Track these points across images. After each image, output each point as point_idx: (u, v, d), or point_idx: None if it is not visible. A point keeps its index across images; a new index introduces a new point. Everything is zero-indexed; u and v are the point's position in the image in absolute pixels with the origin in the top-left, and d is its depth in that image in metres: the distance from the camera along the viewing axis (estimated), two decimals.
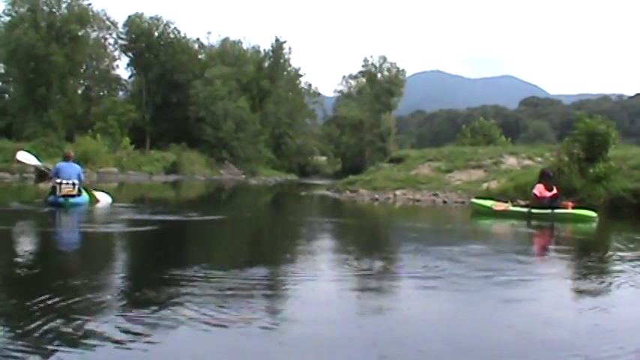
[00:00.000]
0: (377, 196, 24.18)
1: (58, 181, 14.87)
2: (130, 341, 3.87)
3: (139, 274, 6.77)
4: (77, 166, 15.74)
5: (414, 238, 11.46)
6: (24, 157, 18.02)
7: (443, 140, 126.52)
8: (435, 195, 23.60)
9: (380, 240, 12.03)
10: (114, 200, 16.91)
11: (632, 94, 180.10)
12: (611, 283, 6.66)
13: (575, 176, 19.52)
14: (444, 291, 5.97)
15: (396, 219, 17.73)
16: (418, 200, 23.00)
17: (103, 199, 16.60)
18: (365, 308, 5.15)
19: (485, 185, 23.33)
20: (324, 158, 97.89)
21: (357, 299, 5.57)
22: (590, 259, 9.10)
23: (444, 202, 22.33)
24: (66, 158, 15.78)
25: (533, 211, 15.49)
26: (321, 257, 8.35)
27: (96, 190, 17.15)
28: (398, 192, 24.52)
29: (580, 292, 6.33)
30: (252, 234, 12.51)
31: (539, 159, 27.37)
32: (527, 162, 27.22)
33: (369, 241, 11.64)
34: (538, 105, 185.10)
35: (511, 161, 27.71)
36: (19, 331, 3.99)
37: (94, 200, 15.99)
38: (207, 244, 10.25)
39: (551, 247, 11.33)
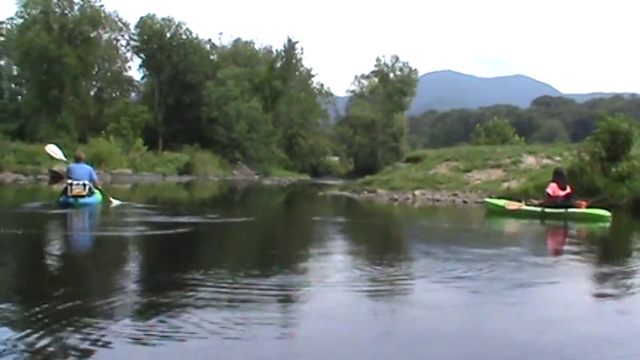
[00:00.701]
0: (396, 196, 23.90)
1: (69, 181, 15.45)
2: (138, 346, 3.85)
3: (157, 278, 6.53)
4: (88, 167, 16.27)
5: (443, 241, 11.25)
6: (53, 150, 18.27)
7: (455, 140, 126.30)
8: (455, 195, 23.35)
9: (404, 242, 11.75)
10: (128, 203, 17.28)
11: None
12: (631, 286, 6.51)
13: (598, 175, 19.24)
14: (460, 294, 5.83)
15: (417, 220, 17.40)
16: (438, 200, 22.72)
17: (116, 203, 16.85)
18: (383, 322, 4.80)
19: (505, 185, 23.08)
20: (336, 158, 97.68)
21: (379, 312, 5.21)
22: (610, 260, 8.88)
23: (464, 202, 22.04)
24: (77, 160, 16.43)
25: (547, 210, 15.40)
26: (346, 263, 8.11)
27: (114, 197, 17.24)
28: (417, 192, 24.27)
29: (600, 296, 6.13)
30: (279, 237, 12.27)
31: (558, 158, 27.07)
32: (546, 161, 26.89)
33: (393, 243, 11.40)
34: (550, 104, 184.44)
35: (530, 160, 27.42)
36: (37, 334, 3.94)
37: (106, 200, 16.47)
38: (239, 247, 10.05)
39: (567, 247, 11.02)
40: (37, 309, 4.53)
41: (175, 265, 7.44)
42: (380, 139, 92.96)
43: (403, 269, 7.18)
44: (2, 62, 72.68)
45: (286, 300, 5.41)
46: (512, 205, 16.32)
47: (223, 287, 5.57)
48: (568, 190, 15.58)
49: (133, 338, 3.98)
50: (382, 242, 11.20)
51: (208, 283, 5.72)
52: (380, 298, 5.60)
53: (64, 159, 18.67)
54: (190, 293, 5.30)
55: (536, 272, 7.27)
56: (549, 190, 15.65)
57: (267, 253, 9.23)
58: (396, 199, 23.21)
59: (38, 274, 6.62)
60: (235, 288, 5.57)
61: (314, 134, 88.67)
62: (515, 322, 4.77)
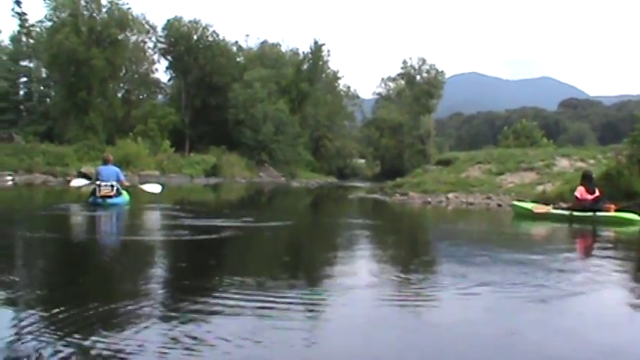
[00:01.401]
0: (429, 199, 23.62)
1: (98, 183, 16.33)
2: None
3: (197, 284, 6.26)
4: (116, 169, 17.19)
5: (480, 246, 11.09)
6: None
7: (481, 142, 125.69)
8: (489, 198, 22.99)
9: (444, 248, 11.42)
10: (164, 188, 19.14)
11: None
12: None
13: (636, 179, 18.73)
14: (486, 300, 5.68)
15: (454, 223, 16.98)
16: (472, 204, 22.39)
17: (153, 189, 19.32)
18: (406, 332, 4.61)
19: (540, 188, 22.65)
20: (362, 161, 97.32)
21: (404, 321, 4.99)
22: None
23: (499, 205, 21.65)
24: (105, 162, 17.33)
25: (575, 213, 15.13)
26: (381, 268, 7.86)
27: (145, 183, 19.21)
28: (450, 195, 23.97)
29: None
30: (319, 241, 11.93)
31: (591, 161, 26.62)
32: (579, 164, 26.36)
33: (432, 248, 11.13)
34: (578, 106, 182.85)
35: (563, 163, 26.95)
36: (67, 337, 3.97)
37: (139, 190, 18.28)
38: (282, 252, 9.77)
39: (596, 253, 10.66)
40: (63, 314, 4.53)
41: (215, 270, 7.32)
42: (406, 142, 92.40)
43: (438, 276, 7.10)
44: (32, 65, 73.12)
45: (313, 309, 5.22)
46: (540, 209, 16.08)
47: (258, 295, 5.44)
48: (597, 193, 15.31)
49: (158, 345, 3.93)
50: (419, 247, 10.99)
51: (246, 291, 5.59)
52: (406, 306, 5.43)
53: (89, 182, 18.61)
54: (226, 301, 5.15)
55: (562, 279, 6.92)
56: (577, 194, 15.43)
57: (307, 258, 9.05)
58: (429, 202, 22.96)
59: (64, 278, 6.55)
60: (273, 297, 5.35)
61: (340, 136, 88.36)
62: (542, 335, 4.51)
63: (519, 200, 19.19)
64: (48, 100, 73.23)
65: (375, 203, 25.00)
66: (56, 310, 4.61)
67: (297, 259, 8.78)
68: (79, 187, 18.46)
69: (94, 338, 3.97)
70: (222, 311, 4.84)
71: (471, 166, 29.04)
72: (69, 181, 19.37)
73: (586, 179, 15.77)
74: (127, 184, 18.02)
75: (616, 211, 14.74)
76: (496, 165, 28.20)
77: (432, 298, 5.73)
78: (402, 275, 6.86)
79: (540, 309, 5.34)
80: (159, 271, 7.20)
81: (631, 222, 14.27)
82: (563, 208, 15.80)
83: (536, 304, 5.51)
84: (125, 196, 17.07)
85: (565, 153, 29.44)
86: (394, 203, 23.93)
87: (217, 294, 5.39)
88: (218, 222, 12.92)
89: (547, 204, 16.50)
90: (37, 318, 4.46)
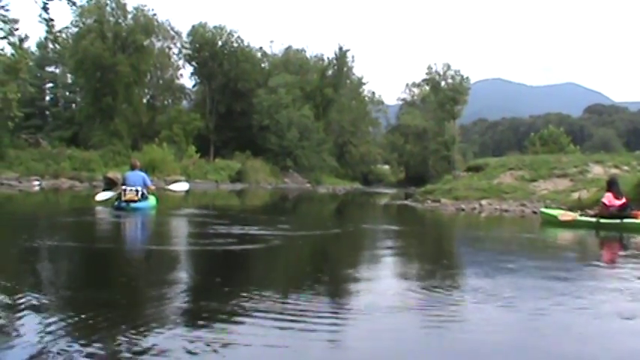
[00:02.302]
0: (463, 206, 23.12)
1: (123, 187, 16.92)
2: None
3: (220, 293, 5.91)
4: (142, 174, 17.63)
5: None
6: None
7: (505, 149, 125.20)
8: (524, 205, 22.48)
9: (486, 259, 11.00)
10: (189, 191, 20.40)
11: None
12: None
13: None
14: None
15: (491, 232, 16.38)
16: (506, 211, 21.84)
17: (180, 187, 20.43)
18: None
19: (576, 195, 22.05)
20: (386, 167, 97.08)
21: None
22: None
23: (534, 212, 21.07)
24: (132, 167, 17.94)
25: (602, 221, 14.76)
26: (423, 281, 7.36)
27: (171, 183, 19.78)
28: (483, 202, 23.48)
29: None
30: (371, 249, 11.20)
31: (625, 168, 26.16)
32: (613, 170, 25.75)
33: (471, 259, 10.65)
34: (603, 112, 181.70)
35: (597, 170, 26.34)
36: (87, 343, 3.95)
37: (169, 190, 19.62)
38: (336, 262, 9.40)
39: (623, 262, 10.02)
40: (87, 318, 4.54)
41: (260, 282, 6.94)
42: (431, 148, 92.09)
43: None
44: (57, 71, 73.63)
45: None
46: (566, 217, 15.72)
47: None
48: (623, 199, 14.96)
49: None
50: (455, 257, 10.51)
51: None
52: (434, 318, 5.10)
53: (114, 193, 18.66)
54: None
55: (588, 289, 6.62)
56: (605, 200, 15.07)
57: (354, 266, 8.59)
58: (462, 209, 22.44)
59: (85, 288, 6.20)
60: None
61: (365, 142, 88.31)
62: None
63: (547, 207, 18.99)
64: (73, 105, 73.62)
65: (407, 210, 24.39)
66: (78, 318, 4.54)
67: (349, 269, 8.31)
68: (106, 200, 18.30)
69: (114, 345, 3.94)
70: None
71: (502, 173, 28.51)
72: (95, 195, 19.14)
73: (613, 185, 15.43)
74: (153, 188, 18.57)
75: None
76: (528, 172, 27.66)
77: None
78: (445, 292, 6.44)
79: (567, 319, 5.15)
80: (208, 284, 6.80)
81: None
82: (590, 216, 15.50)
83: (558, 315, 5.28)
84: (152, 201, 17.61)
85: (598, 159, 28.82)
86: (426, 210, 23.44)
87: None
88: (257, 230, 12.43)
89: (573, 211, 16.06)
90: (60, 323, 4.39)
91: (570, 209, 17.75)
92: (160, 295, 5.70)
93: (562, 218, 15.65)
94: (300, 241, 11.38)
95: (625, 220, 14.42)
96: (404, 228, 16.28)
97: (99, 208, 17.19)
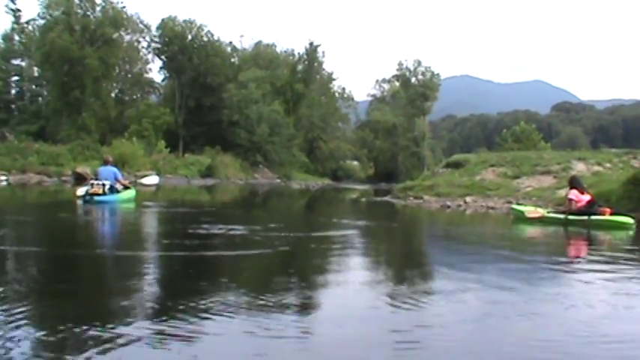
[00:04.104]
0: (448, 203, 23.02)
1: (92, 182, 17.99)
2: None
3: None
4: (114, 169, 18.74)
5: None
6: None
7: (474, 145, 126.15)
8: (510, 202, 22.44)
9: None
10: (160, 184, 20.68)
11: None
12: None
13: None
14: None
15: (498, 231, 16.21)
16: (492, 208, 21.71)
17: (151, 180, 21.92)
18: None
19: (562, 192, 22.08)
20: (355, 163, 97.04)
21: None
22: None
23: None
24: (105, 162, 19.11)
25: (570, 217, 15.07)
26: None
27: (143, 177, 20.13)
28: (468, 199, 23.38)
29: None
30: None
31: (608, 165, 26.24)
32: (596, 168, 25.94)
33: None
34: (570, 110, 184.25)
35: (580, 167, 26.29)
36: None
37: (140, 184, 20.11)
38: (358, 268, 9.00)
39: (589, 256, 10.48)
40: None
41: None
42: (401, 144, 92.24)
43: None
44: (24, 63, 72.59)
45: None
46: (533, 214, 16.01)
47: None
48: (589, 196, 15.34)
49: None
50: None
51: None
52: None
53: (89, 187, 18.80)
54: None
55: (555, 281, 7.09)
56: (572, 197, 15.34)
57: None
58: (448, 207, 22.32)
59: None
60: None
61: (335, 138, 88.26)
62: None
63: (518, 204, 19.17)
64: (40, 99, 72.70)
65: (393, 207, 24.08)
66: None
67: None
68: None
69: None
70: None
71: (484, 169, 28.39)
72: (75, 192, 19.26)
73: (576, 182, 15.89)
74: (125, 182, 19.58)
75: (611, 214, 14.65)
76: (511, 168, 27.59)
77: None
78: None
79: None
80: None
81: (625, 225, 14.14)
82: (559, 211, 15.73)
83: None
84: (124, 195, 18.59)
85: (581, 156, 28.82)
86: (413, 207, 23.28)
87: None
88: (248, 230, 11.64)
89: (540, 207, 16.32)
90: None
91: (560, 205, 17.74)
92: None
93: (529, 215, 15.92)
94: (312, 244, 10.42)
95: (592, 217, 14.65)
96: (393, 225, 16.52)
97: (79, 202, 17.34)
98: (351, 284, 6.49)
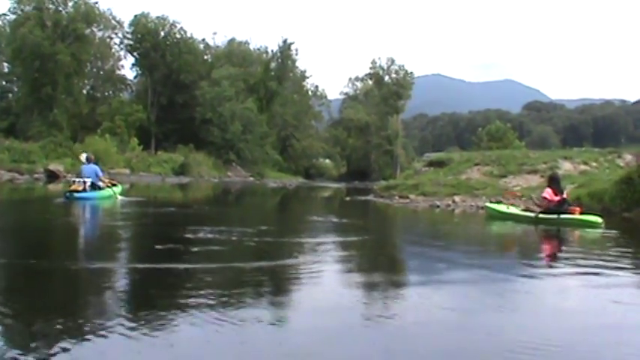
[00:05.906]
0: (437, 203, 22.77)
1: (73, 179, 19.10)
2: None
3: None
4: (95, 167, 19.46)
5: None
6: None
7: (445, 144, 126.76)
8: (499, 202, 22.47)
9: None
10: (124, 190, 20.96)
11: (634, 99, 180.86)
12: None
13: None
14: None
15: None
16: (482, 207, 21.38)
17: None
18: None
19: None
20: (328, 161, 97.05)
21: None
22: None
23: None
24: (88, 161, 19.66)
25: (541, 215, 15.49)
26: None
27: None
28: (457, 198, 23.21)
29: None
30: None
31: (594, 164, 26.68)
32: (582, 167, 26.34)
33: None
34: (541, 109, 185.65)
35: (567, 166, 26.50)
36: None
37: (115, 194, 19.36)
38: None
39: (557, 254, 10.94)
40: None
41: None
42: (374, 142, 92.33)
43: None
44: None
45: None
46: (510, 194, 17.64)
47: None
48: (562, 196, 15.64)
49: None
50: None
51: None
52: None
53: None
54: None
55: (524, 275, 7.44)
56: (546, 195, 15.69)
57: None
58: (437, 207, 22.02)
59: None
60: None
61: (308, 136, 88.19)
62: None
63: (491, 202, 19.31)
64: (10, 95, 71.88)
65: (380, 207, 23.63)
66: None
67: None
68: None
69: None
70: None
71: (469, 168, 28.48)
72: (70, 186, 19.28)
73: (554, 182, 16.08)
74: (106, 180, 20.13)
75: (580, 213, 15.02)
76: (497, 167, 27.70)
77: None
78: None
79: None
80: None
81: (594, 224, 14.44)
82: (536, 205, 16.06)
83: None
84: (106, 192, 19.18)
85: (567, 155, 28.94)
86: (397, 207, 23.07)
87: None
88: (246, 236, 10.67)
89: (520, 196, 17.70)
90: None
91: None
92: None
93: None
94: (322, 249, 9.71)
95: (562, 216, 15.00)
96: (375, 224, 16.91)
97: (59, 199, 18.36)
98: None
